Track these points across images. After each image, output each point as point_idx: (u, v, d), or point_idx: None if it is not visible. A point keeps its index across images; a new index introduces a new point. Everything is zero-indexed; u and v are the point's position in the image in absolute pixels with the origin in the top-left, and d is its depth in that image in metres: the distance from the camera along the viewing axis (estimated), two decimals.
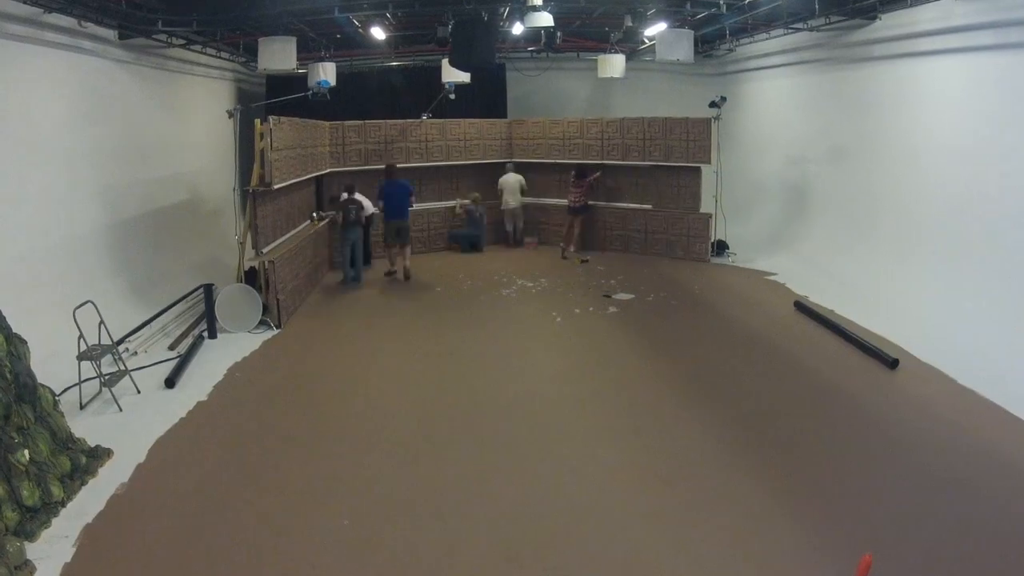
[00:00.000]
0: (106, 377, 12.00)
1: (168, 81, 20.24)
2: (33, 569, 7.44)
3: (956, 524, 8.13)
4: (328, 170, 22.27)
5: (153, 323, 15.47)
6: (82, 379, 11.85)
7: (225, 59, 23.58)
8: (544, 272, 21.27)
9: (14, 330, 9.41)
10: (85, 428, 10.38)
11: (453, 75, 22.35)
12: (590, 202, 23.59)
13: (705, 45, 24.76)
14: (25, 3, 13.03)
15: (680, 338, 15.37)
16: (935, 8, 15.48)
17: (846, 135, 19.95)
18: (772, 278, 19.98)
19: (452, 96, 23.83)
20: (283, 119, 17.41)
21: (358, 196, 20.81)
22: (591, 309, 17.35)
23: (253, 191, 16.38)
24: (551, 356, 14.51)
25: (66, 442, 9.55)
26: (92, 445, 10.01)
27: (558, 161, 25.13)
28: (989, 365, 12.24)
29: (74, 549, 7.88)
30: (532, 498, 9.01)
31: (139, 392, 12.41)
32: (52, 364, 11.33)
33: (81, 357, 11.72)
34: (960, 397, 11.75)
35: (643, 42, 23.70)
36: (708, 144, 21.99)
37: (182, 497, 9.06)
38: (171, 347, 14.69)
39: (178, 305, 16.87)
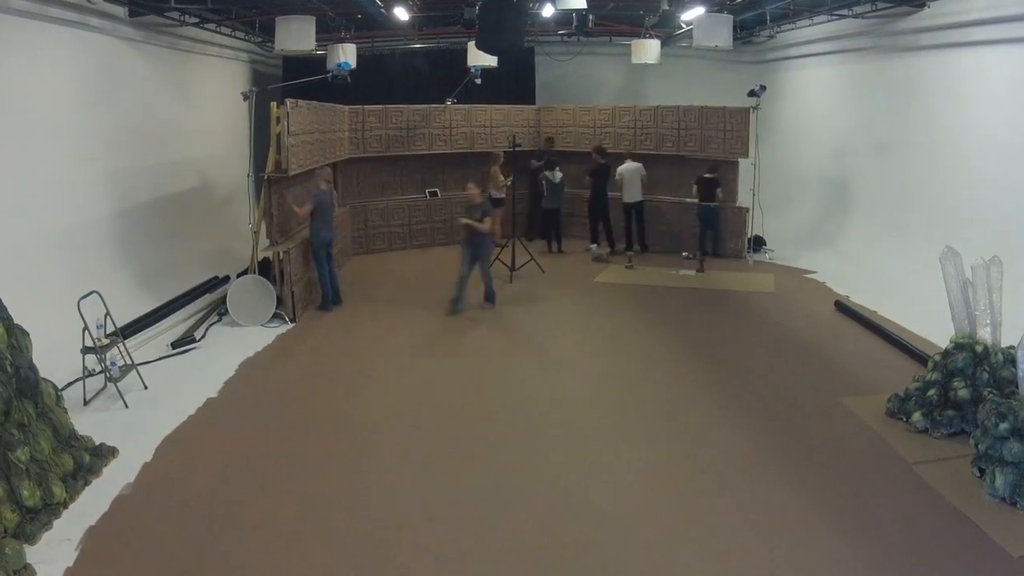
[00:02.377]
0: (111, 372, 11.96)
1: (180, 61, 20.22)
2: (33, 573, 7.38)
3: None
4: (347, 156, 22.21)
5: (161, 315, 15.46)
6: (86, 374, 11.82)
7: (240, 39, 23.56)
8: (569, 267, 21.23)
9: (16, 321, 9.37)
10: (89, 425, 10.34)
11: (479, 59, 22.22)
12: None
13: (744, 31, 24.58)
14: None
15: (713, 337, 15.27)
16: None
17: (891, 128, 19.77)
18: (811, 276, 19.85)
19: (478, 81, 23.64)
20: (301, 102, 17.34)
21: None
22: (617, 307, 17.33)
23: (268, 178, 16.34)
24: (576, 355, 14.42)
25: (69, 440, 9.50)
26: (96, 443, 9.96)
27: (588, 150, 24.96)
28: None
29: (76, 552, 7.83)
30: (559, 504, 8.94)
31: (146, 388, 12.38)
32: (55, 357, 11.28)
33: (85, 351, 11.70)
34: None
35: (679, 27, 23.52)
36: (746, 135, 21.83)
37: (190, 498, 9.01)
38: (181, 341, 14.64)
39: (188, 297, 16.84)
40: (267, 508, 8.78)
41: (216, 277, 18.47)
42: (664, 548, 8.00)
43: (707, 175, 21.87)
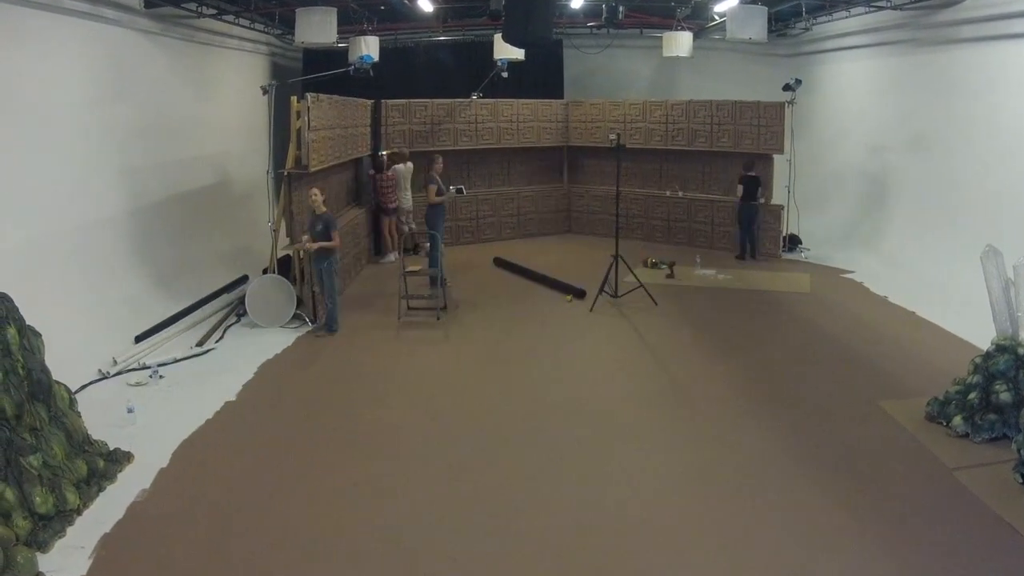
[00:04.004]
0: (128, 374, 11.99)
1: (197, 54, 20.25)
2: None
3: None
4: (369, 152, 22.15)
5: (179, 316, 15.48)
6: (102, 376, 11.85)
7: (259, 31, 23.57)
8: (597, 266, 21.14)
9: (28, 322, 9.38)
10: (104, 429, 10.35)
11: (506, 51, 22.20)
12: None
13: (779, 23, 24.47)
14: None
15: (747, 339, 15.20)
16: None
17: (930, 123, 19.64)
18: (849, 276, 19.77)
19: (505, 74, 23.59)
20: (322, 96, 17.33)
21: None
22: (648, 307, 17.23)
23: (288, 174, 16.34)
24: (607, 356, 14.38)
25: (83, 444, 9.52)
26: (111, 448, 9.98)
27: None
28: None
29: (90, 561, 7.84)
30: (586, 510, 8.92)
31: (163, 391, 12.41)
32: (68, 359, 11.29)
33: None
34: None
35: (712, 19, 23.42)
36: (781, 130, 21.73)
37: (207, 505, 9.01)
38: (199, 343, 14.68)
39: (207, 297, 16.89)
40: (286, 516, 8.77)
41: (246, 276, 18.48)
42: (694, 555, 7.97)
43: (748, 173, 21.78)
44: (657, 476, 9.74)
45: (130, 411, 11.21)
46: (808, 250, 22.12)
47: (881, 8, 19.79)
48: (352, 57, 20.81)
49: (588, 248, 23.44)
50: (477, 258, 22.20)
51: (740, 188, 21.72)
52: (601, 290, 17.27)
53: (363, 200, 21.92)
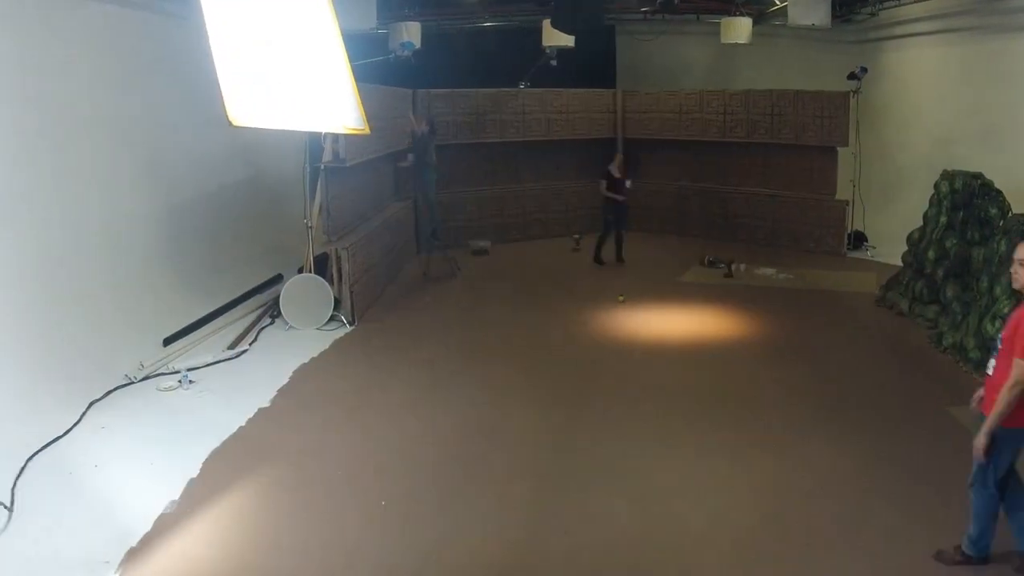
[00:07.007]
0: (156, 378, 12.02)
1: None
2: None
3: None
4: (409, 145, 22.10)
5: (210, 318, 15.50)
6: (129, 381, 11.88)
7: None
8: (650, 264, 21.07)
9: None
10: (134, 435, 10.36)
11: (555, 38, 22.13)
12: None
13: (844, 8, 24.16)
14: None
15: (808, 342, 15.09)
16: None
17: (1003, 114, 19.35)
18: None
19: (554, 62, 23.60)
20: (361, 85, 17.24)
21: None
22: (703, 308, 17.18)
23: (325, 167, 16.31)
24: (659, 361, 14.26)
25: None
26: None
27: (673, 138, 24.90)
28: None
29: (116, 575, 7.82)
30: (641, 522, 8.84)
31: (193, 397, 12.41)
32: (94, 363, 11.31)
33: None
34: None
35: (774, 3, 23.31)
36: (846, 122, 21.59)
37: (239, 518, 8.98)
38: (231, 346, 14.68)
39: (240, 298, 16.91)
40: (322, 532, 8.72)
41: (281, 276, 18.45)
42: (761, 570, 7.92)
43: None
44: (719, 486, 9.65)
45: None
46: (874, 248, 21.94)
47: None
48: (392, 44, 20.80)
49: (642, 244, 23.33)
50: (527, 258, 22.22)
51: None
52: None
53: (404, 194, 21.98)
